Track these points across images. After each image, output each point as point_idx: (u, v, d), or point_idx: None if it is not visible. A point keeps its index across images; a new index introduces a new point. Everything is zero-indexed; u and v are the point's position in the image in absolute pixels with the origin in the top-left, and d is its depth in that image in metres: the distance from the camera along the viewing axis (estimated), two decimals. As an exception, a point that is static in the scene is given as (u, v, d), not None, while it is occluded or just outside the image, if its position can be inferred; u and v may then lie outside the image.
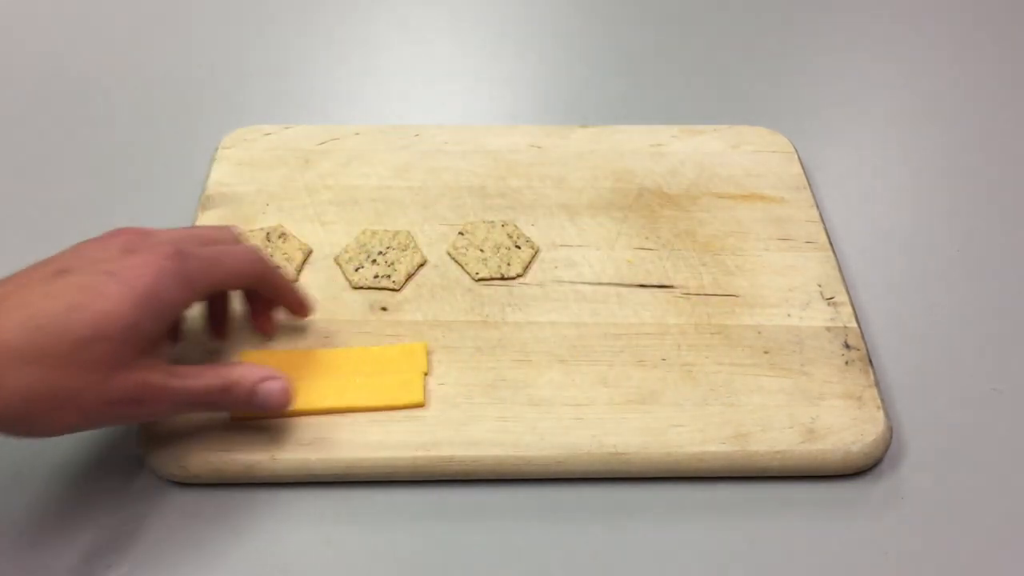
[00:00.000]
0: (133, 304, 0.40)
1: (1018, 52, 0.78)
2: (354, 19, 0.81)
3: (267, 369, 0.45)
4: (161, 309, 0.41)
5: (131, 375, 0.40)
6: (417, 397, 0.49)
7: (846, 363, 0.51)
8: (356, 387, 0.49)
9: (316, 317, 0.53)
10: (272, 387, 0.45)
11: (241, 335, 0.52)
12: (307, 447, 0.47)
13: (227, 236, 0.48)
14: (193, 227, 0.47)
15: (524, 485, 0.48)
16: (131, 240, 0.43)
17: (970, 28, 0.81)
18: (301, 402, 0.48)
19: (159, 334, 0.42)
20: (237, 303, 0.52)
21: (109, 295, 0.39)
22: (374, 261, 0.56)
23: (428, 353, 0.51)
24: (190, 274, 0.42)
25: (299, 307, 0.51)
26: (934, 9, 0.83)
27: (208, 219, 0.58)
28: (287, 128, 0.65)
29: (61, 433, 0.40)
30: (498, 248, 0.57)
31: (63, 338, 0.38)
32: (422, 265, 0.56)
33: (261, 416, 0.47)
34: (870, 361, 0.51)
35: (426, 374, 0.50)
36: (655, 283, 0.55)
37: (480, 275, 0.55)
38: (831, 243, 0.58)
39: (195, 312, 0.50)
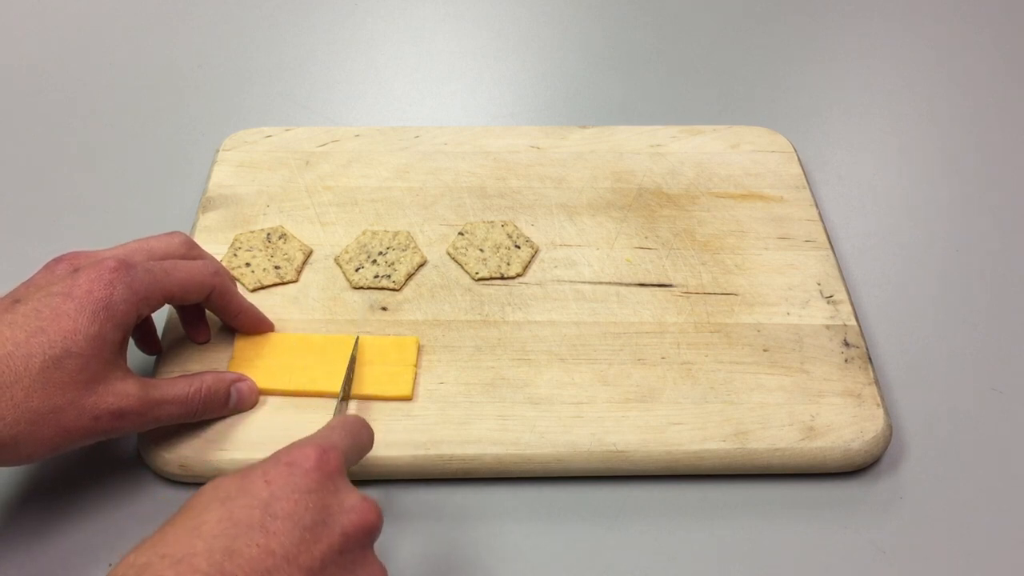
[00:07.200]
0: (92, 316, 0.40)
1: (1017, 53, 0.78)
2: (354, 21, 0.81)
3: (233, 373, 0.48)
4: (118, 318, 0.42)
5: (110, 388, 0.41)
6: (406, 390, 0.49)
7: (845, 361, 0.51)
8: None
9: (317, 317, 0.53)
10: (242, 387, 0.48)
11: (225, 333, 0.52)
12: (307, 446, 0.47)
13: (180, 250, 0.47)
14: (143, 240, 0.46)
15: (524, 484, 0.48)
16: (74, 262, 0.43)
17: (969, 29, 0.81)
18: (293, 384, 0.49)
19: (121, 344, 0.42)
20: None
21: (66, 313, 0.40)
22: (374, 261, 0.56)
23: (419, 348, 0.51)
24: (137, 284, 0.42)
25: (255, 325, 0.51)
26: (933, 11, 0.83)
27: (209, 221, 0.59)
28: (287, 130, 0.66)
29: (47, 455, 0.40)
30: (498, 248, 0.57)
31: (30, 362, 0.39)
32: (422, 265, 0.56)
33: None
34: (869, 359, 0.51)
35: (415, 368, 0.50)
36: (654, 282, 0.55)
37: (480, 275, 0.55)
38: (830, 242, 0.58)
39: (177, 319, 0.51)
